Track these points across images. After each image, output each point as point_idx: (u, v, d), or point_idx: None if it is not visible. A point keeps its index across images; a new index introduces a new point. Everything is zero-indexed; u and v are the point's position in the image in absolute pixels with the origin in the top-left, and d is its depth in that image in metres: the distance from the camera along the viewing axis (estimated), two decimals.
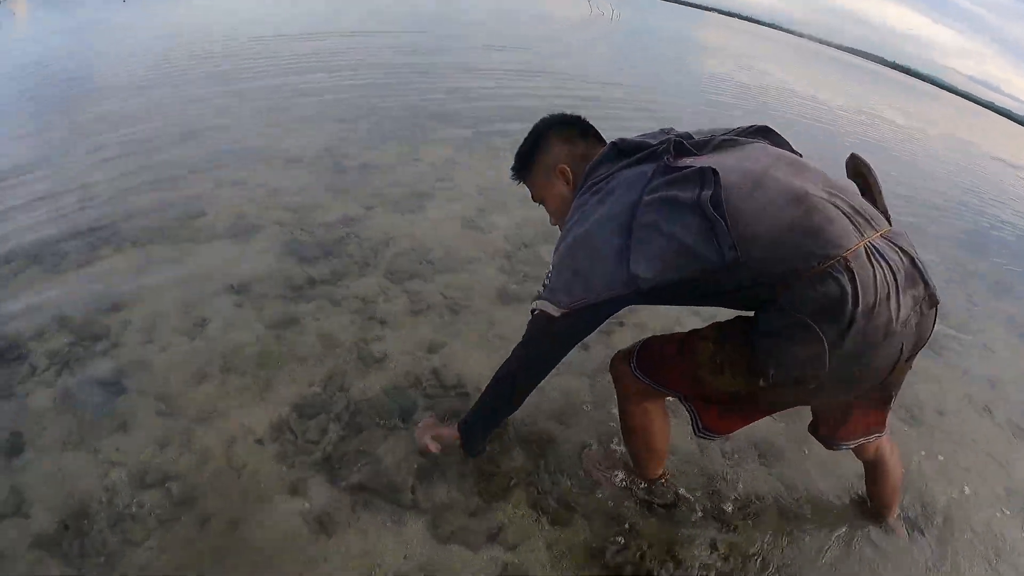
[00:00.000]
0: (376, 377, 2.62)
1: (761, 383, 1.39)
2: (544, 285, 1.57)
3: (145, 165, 4.27)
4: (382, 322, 2.95)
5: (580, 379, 2.74)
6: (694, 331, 1.60)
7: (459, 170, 4.84)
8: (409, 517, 2.02)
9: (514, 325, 2.98)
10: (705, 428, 1.65)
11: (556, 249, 1.56)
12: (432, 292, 3.22)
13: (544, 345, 1.68)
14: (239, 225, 3.62)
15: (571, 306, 1.47)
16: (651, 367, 1.68)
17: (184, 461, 2.15)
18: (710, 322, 1.59)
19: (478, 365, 2.72)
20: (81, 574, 1.79)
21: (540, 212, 1.96)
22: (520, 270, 3.52)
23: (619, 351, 1.84)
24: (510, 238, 3.85)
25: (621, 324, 3.19)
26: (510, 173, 1.93)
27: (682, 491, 2.18)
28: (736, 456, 2.43)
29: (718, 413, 1.62)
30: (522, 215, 4.17)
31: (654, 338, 1.78)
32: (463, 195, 4.36)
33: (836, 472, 2.40)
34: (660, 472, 2.11)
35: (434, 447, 2.05)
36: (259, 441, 2.24)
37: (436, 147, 5.32)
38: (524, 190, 1.98)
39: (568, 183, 1.73)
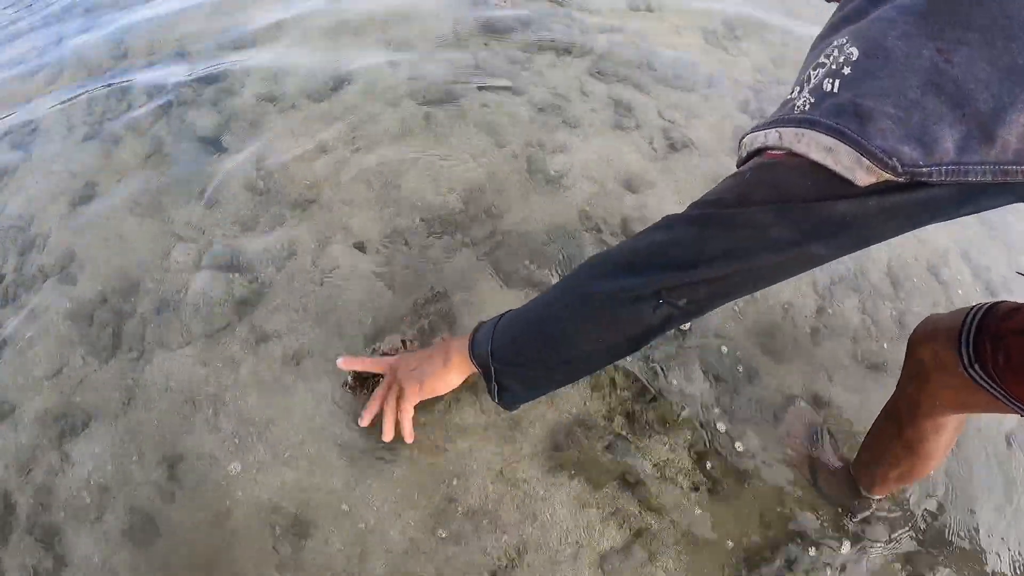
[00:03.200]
0: (543, 203, 1.88)
1: None
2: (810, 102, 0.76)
3: None
4: (573, 127, 2.14)
5: (808, 294, 1.84)
6: None
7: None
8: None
9: None
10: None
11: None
12: (647, 107, 2.33)
13: (764, 243, 0.82)
14: None
15: (920, 170, 0.66)
16: (1006, 365, 0.89)
17: (261, 254, 1.62)
18: None
19: None
20: (102, 369, 1.48)
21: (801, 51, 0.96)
22: (767, 111, 2.49)
23: (930, 323, 1.09)
24: (763, 69, 2.77)
25: None
26: None
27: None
28: None
29: None
30: (779, 52, 3.03)
31: (1008, 309, 0.94)
32: (713, 10, 3.24)
33: None
34: (886, 493, 1.44)
35: (407, 429, 1.31)
36: (359, 247, 1.63)
37: None
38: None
39: None
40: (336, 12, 2.64)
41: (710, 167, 2.14)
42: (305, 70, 2.30)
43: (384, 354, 1.44)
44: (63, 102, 2.28)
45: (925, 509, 1.50)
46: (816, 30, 0.93)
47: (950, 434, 1.17)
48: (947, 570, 1.43)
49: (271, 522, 1.29)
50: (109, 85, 2.30)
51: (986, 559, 1.47)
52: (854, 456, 1.48)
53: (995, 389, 0.92)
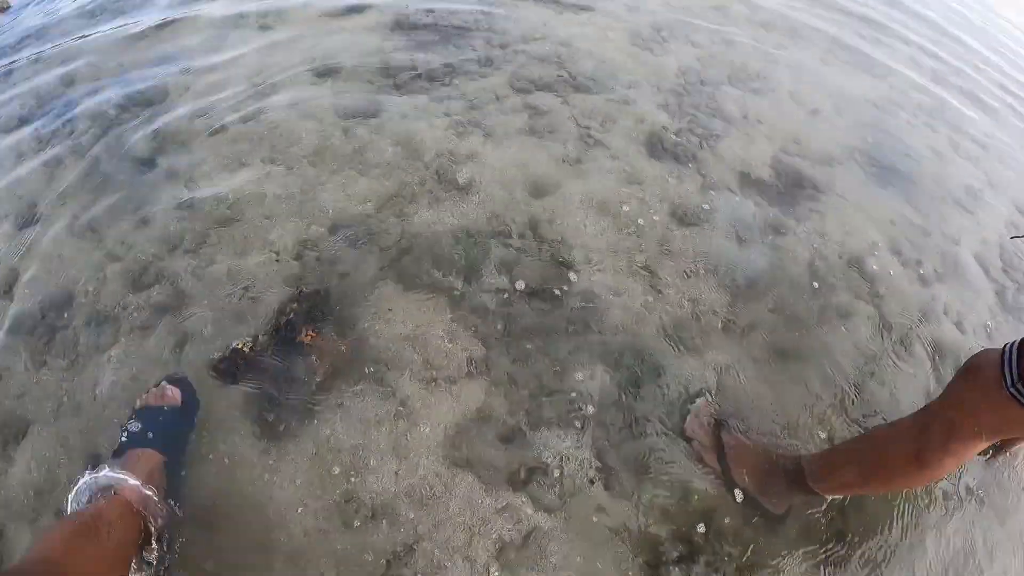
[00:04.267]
0: (450, 209, 2.02)
1: None
2: None
3: None
4: (485, 136, 2.28)
5: (720, 289, 1.98)
6: None
7: None
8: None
9: (655, 189, 2.21)
10: None
11: None
12: (562, 113, 2.46)
13: None
14: None
15: None
16: None
17: (185, 266, 1.77)
18: None
19: (596, 235, 2.03)
20: (41, 372, 1.65)
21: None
22: (688, 113, 2.62)
23: (980, 355, 1.17)
24: (688, 70, 2.90)
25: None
26: None
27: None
28: None
29: None
30: (711, 48, 3.15)
31: None
32: (642, 7, 3.36)
33: None
34: (839, 495, 1.56)
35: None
36: (276, 256, 1.79)
37: None
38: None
39: None
40: (267, 35, 2.79)
41: (620, 169, 2.26)
42: (233, 90, 2.44)
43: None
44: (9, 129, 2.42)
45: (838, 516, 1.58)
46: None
47: (952, 467, 1.25)
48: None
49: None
50: (54, 111, 2.44)
51: None
52: (759, 445, 1.60)
53: None
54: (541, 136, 2.33)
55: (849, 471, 1.40)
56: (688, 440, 1.62)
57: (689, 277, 2.00)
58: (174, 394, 1.47)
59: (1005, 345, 1.09)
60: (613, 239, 2.03)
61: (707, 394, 1.72)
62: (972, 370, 1.16)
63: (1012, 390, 1.03)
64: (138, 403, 1.47)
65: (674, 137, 2.46)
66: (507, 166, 2.19)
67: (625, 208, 2.13)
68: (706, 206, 2.22)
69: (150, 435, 1.38)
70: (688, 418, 1.64)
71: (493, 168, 2.17)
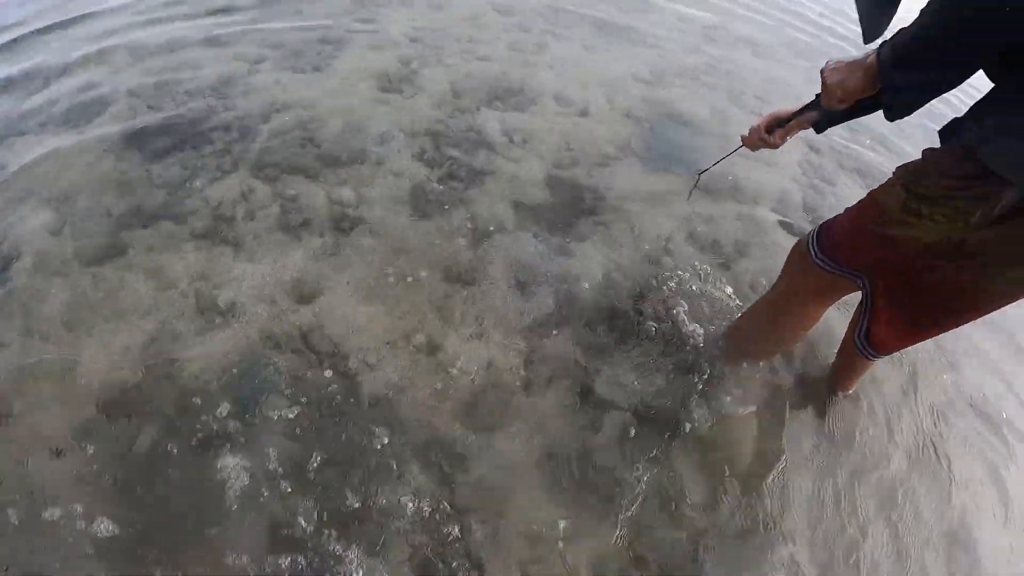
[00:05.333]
0: (216, 342, 1.78)
1: (973, 219, 1.14)
2: None
3: None
4: (236, 247, 2.04)
5: (511, 346, 1.85)
6: (876, 187, 1.34)
7: (395, 9, 3.56)
8: None
9: (424, 255, 2.05)
10: (871, 343, 1.53)
11: None
12: (315, 196, 2.25)
13: None
14: (79, 103, 2.59)
15: None
16: (832, 243, 1.44)
17: None
18: None
19: (370, 326, 1.85)
20: None
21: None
22: (447, 155, 2.47)
23: (800, 239, 1.58)
24: (442, 102, 2.74)
25: None
26: None
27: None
28: None
29: (899, 323, 1.43)
30: (466, 68, 3.01)
31: (832, 219, 1.48)
32: (387, 42, 3.17)
33: None
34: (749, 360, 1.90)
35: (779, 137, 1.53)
36: (56, 452, 1.49)
37: None
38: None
39: None
40: None
41: (383, 244, 2.08)
42: None
43: None
44: None
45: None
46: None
47: (808, 323, 1.69)
48: None
49: None
50: None
51: None
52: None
53: (830, 265, 1.43)
54: (296, 231, 2.11)
55: (736, 346, 1.85)
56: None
57: (475, 340, 1.85)
58: None
59: (809, 234, 1.49)
60: (389, 325, 1.86)
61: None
62: (792, 251, 1.58)
63: (817, 260, 1.45)
64: None
65: (438, 186, 2.30)
66: (265, 276, 1.96)
67: (394, 285, 1.96)
68: (481, 255, 2.08)
69: None
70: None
71: (251, 282, 1.93)
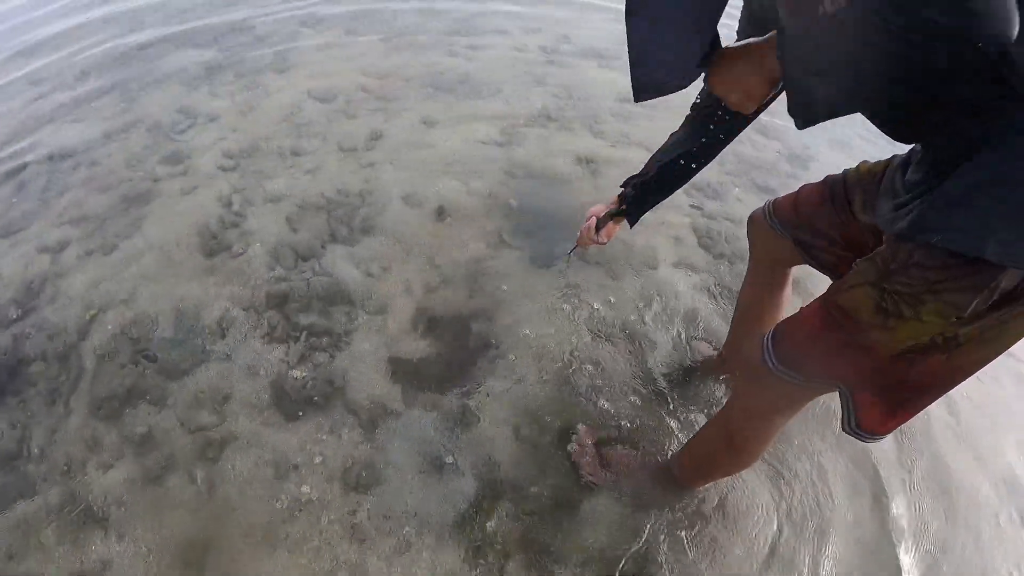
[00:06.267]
0: None
1: (968, 311, 0.93)
2: None
3: None
4: (104, 526, 1.67)
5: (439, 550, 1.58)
6: (831, 287, 1.16)
7: (201, 129, 3.11)
8: None
9: (320, 464, 1.78)
10: (863, 429, 1.19)
11: None
12: (169, 427, 1.91)
13: None
14: None
15: None
16: (793, 354, 1.22)
17: None
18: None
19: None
20: None
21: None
22: (301, 325, 2.14)
23: (747, 346, 1.47)
24: (279, 250, 2.38)
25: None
26: None
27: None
28: None
29: (885, 406, 1.15)
30: (297, 192, 2.64)
31: (786, 321, 1.28)
32: (200, 180, 2.74)
33: None
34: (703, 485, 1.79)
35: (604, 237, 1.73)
36: None
37: (159, 89, 3.47)
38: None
39: None
40: None
41: (264, 463, 1.74)
42: None
43: None
44: None
45: None
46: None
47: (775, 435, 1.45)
48: None
49: None
50: None
51: None
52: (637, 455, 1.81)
53: (796, 377, 1.22)
54: (160, 480, 1.76)
55: (694, 468, 1.68)
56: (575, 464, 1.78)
57: (403, 555, 1.60)
58: None
59: (762, 343, 1.27)
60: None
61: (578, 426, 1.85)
62: (743, 365, 1.41)
63: (779, 373, 1.22)
64: None
65: (300, 374, 1.97)
66: (148, 555, 1.60)
67: (290, 516, 1.67)
68: (376, 449, 1.81)
69: None
70: (572, 445, 1.81)
71: (133, 572, 1.57)
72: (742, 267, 2.40)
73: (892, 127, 0.99)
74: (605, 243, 1.75)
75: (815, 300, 1.19)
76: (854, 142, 3.51)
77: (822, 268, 1.46)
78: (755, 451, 1.48)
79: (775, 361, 1.24)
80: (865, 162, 1.33)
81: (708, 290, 2.34)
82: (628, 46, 1.04)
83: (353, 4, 4.42)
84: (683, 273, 2.40)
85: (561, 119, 3.21)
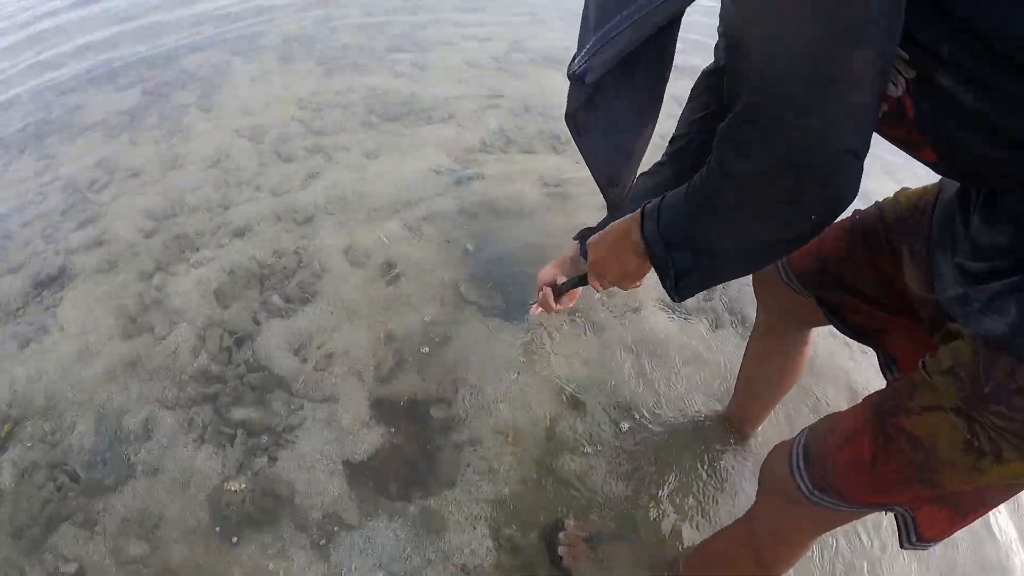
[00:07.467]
0: None
1: None
2: None
3: None
4: None
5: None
6: (886, 394, 0.88)
7: (120, 187, 2.79)
8: None
9: None
10: (927, 540, 0.93)
11: None
12: (99, 562, 1.63)
13: None
14: None
15: None
16: (835, 483, 0.93)
17: None
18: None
19: None
20: None
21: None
22: (234, 423, 1.88)
23: (771, 456, 1.09)
24: (207, 330, 2.10)
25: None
26: None
27: None
28: None
29: (953, 511, 0.90)
30: (225, 258, 2.35)
31: (820, 433, 0.99)
32: (119, 253, 2.44)
33: None
34: None
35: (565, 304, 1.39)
36: None
37: (80, 138, 3.14)
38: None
39: None
40: None
41: None
42: None
43: None
44: None
45: None
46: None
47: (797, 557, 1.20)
48: None
49: None
50: None
51: None
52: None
53: (838, 504, 0.94)
54: None
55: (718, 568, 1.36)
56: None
57: None
58: None
59: (789, 459, 1.01)
60: None
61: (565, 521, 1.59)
62: (766, 477, 1.11)
63: (815, 499, 0.96)
64: None
65: (238, 487, 1.70)
66: None
67: None
68: (331, 568, 1.55)
69: None
70: (562, 548, 1.53)
71: None
72: (742, 305, 2.16)
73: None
74: (563, 311, 1.47)
75: (860, 407, 0.91)
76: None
77: (857, 336, 1.17)
78: (791, 562, 1.21)
79: (809, 486, 0.97)
80: (905, 189, 1.03)
81: (703, 336, 2.09)
82: (592, 170, 0.86)
83: (290, 23, 4.11)
84: (672, 316, 2.14)
85: (520, 139, 2.93)
